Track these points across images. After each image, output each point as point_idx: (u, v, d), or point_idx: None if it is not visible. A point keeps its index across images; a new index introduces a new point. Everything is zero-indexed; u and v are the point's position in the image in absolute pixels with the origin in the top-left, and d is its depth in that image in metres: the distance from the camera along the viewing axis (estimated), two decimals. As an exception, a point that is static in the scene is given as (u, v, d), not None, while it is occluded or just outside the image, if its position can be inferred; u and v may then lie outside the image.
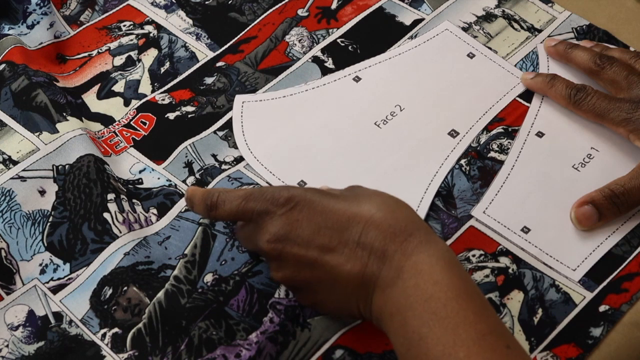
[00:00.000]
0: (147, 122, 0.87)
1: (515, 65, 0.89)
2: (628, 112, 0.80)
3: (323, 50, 0.91)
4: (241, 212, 0.69)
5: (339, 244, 0.66)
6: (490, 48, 0.90)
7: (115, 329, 0.72)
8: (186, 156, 0.84)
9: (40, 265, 0.76)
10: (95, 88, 0.89)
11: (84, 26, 0.95)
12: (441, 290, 0.62)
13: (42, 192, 0.80)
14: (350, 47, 0.91)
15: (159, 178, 0.82)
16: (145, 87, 0.89)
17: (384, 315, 0.64)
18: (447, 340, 0.60)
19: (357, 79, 0.88)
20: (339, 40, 0.92)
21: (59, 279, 0.76)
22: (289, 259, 0.67)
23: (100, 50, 0.92)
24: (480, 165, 0.83)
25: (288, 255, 0.67)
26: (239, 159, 0.83)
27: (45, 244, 0.77)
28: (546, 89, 0.85)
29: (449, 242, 0.78)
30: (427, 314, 0.61)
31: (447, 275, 0.63)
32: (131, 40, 0.93)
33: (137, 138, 0.85)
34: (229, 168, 0.83)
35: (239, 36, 0.93)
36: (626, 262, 0.76)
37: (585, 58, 0.85)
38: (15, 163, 0.82)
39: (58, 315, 0.74)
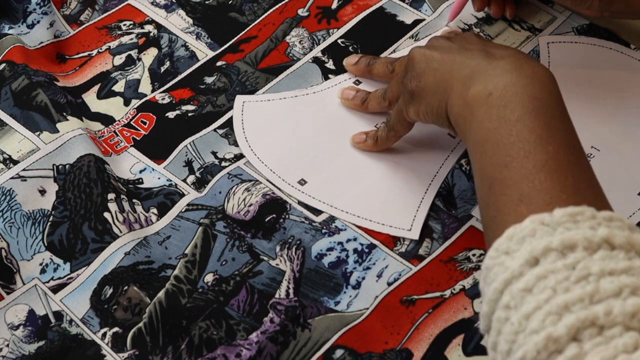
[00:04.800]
0: (147, 122, 0.87)
1: (516, 65, 0.89)
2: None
3: (323, 51, 0.91)
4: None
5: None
6: (490, 48, 0.90)
7: (116, 329, 0.72)
8: (186, 155, 0.84)
9: (41, 264, 0.76)
10: (96, 88, 0.89)
11: (84, 26, 0.95)
12: (550, 97, 0.65)
13: (43, 192, 0.80)
14: (350, 48, 0.91)
15: (159, 178, 0.82)
16: (145, 87, 0.89)
17: (482, 94, 0.66)
18: (542, 131, 0.62)
19: (357, 82, 0.88)
20: (339, 41, 0.92)
21: (59, 278, 0.76)
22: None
23: (100, 50, 0.92)
24: (480, 165, 0.83)
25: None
26: (239, 156, 0.83)
27: (46, 244, 0.77)
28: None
29: (449, 242, 0.78)
30: (531, 105, 0.63)
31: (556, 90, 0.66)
32: (131, 39, 0.93)
33: (137, 137, 0.85)
34: (229, 165, 0.83)
35: (239, 36, 0.93)
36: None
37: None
38: (15, 162, 0.82)
39: (58, 315, 0.74)
